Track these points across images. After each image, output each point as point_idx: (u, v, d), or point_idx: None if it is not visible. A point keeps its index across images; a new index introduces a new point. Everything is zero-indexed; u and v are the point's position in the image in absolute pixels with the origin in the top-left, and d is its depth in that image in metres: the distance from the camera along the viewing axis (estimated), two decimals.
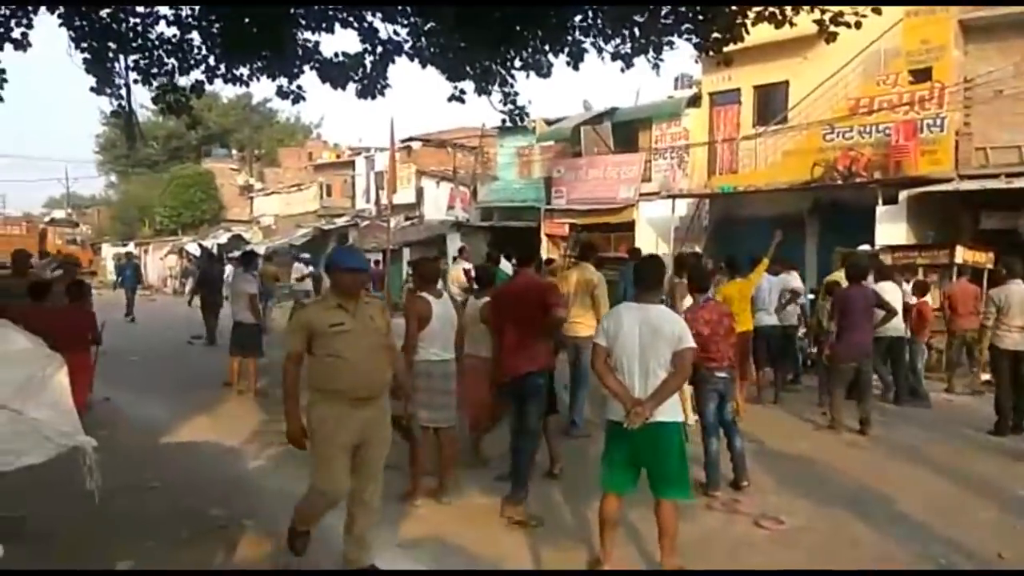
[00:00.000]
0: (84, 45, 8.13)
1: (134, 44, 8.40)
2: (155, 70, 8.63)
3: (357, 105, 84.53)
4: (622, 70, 8.38)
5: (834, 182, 14.90)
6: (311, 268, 18.62)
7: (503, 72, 8.95)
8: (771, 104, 17.23)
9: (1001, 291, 8.01)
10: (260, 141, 53.94)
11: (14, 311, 5.17)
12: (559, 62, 8.63)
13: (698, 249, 12.71)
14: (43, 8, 7.86)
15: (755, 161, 17.21)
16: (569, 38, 8.33)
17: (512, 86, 9.13)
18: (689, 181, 18.43)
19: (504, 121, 9.74)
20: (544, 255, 15.88)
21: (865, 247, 12.96)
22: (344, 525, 4.20)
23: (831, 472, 6.39)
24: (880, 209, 14.07)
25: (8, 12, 7.88)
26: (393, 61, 8.56)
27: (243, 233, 37.69)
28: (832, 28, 7.22)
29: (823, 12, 7.21)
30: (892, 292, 8.90)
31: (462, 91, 8.95)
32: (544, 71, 8.70)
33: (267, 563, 4.48)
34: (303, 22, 8.26)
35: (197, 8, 8.18)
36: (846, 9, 7.17)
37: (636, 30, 8.04)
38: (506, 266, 10.80)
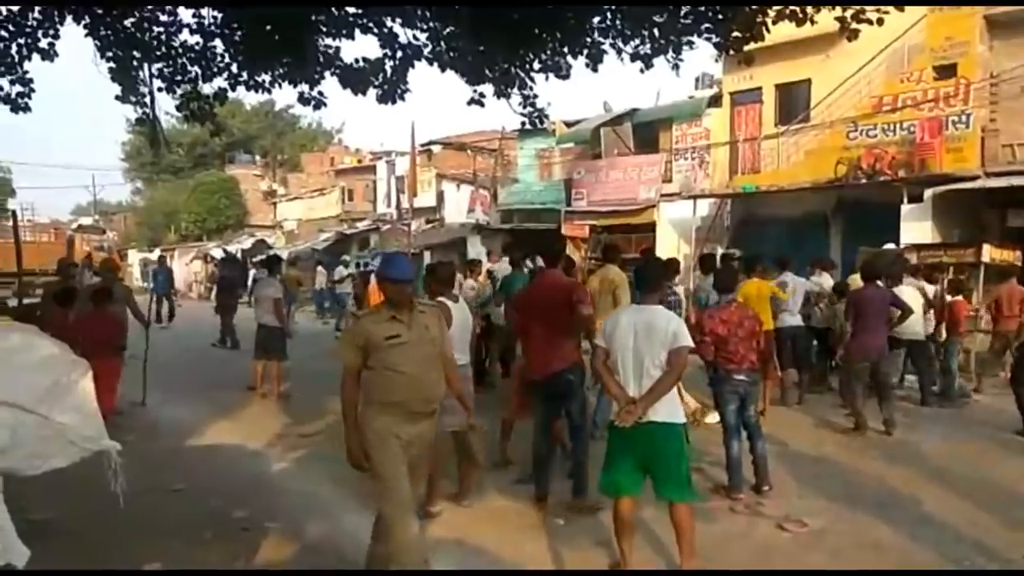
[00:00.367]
0: (109, 54, 8.26)
1: (158, 52, 8.52)
2: (179, 78, 8.75)
3: (378, 110, 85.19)
4: (641, 71, 8.35)
5: (858, 181, 14.75)
6: (350, 269, 18.79)
7: (522, 74, 8.95)
8: (793, 103, 17.12)
9: None
10: (283, 147, 54.46)
11: (42, 317, 5.27)
12: (578, 64, 8.62)
13: (736, 251, 12.57)
14: (69, 18, 8.00)
15: (777, 160, 17.10)
16: (588, 39, 8.32)
17: (531, 88, 9.13)
18: (710, 181, 18.34)
19: (524, 123, 9.74)
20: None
21: (890, 246, 12.82)
22: (376, 528, 4.07)
23: (855, 474, 6.32)
24: (905, 208, 13.90)
25: (35, 23, 8.04)
26: (413, 66, 8.60)
27: (267, 238, 38.05)
28: (854, 25, 7.15)
29: (844, 9, 7.15)
30: (909, 292, 8.83)
31: (481, 94, 8.97)
32: (563, 73, 8.70)
33: (290, 564, 4.51)
34: (324, 28, 8.32)
35: (220, 16, 8.29)
36: (868, 6, 7.11)
37: (655, 30, 8.00)
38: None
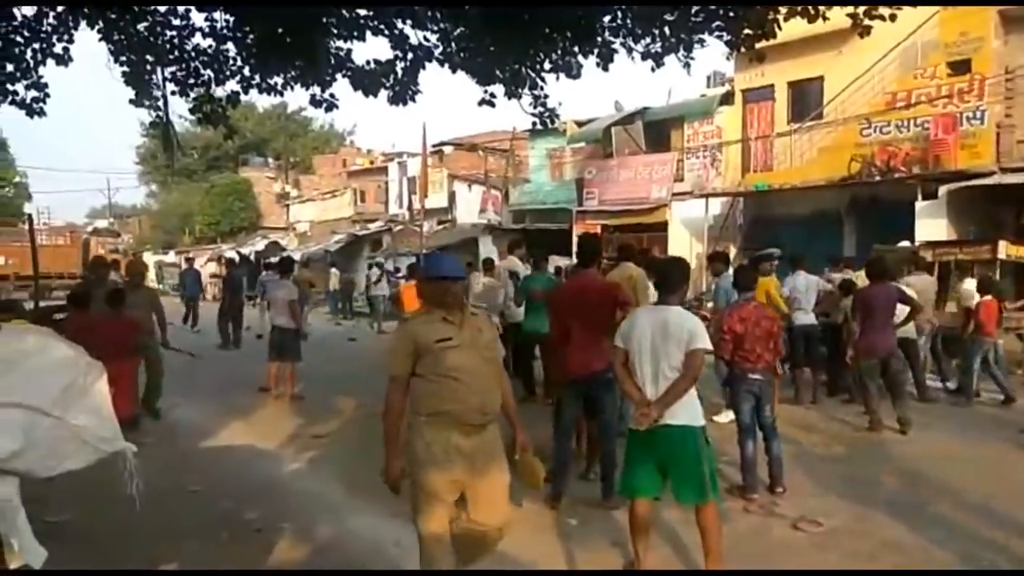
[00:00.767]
0: (123, 58, 8.34)
1: (171, 56, 8.60)
2: (192, 81, 8.82)
3: (389, 111, 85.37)
4: (653, 69, 8.36)
5: (872, 178, 14.67)
6: (380, 271, 18.91)
7: (533, 75, 8.97)
8: (806, 100, 17.02)
9: None
10: (295, 149, 54.72)
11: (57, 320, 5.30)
12: (589, 63, 8.66)
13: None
14: (83, 23, 8.08)
15: (790, 158, 17.00)
16: (599, 39, 8.33)
17: (542, 88, 9.16)
18: (723, 180, 18.27)
19: (535, 123, 9.76)
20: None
21: (905, 244, 12.73)
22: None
23: (870, 473, 6.28)
24: (920, 205, 13.79)
25: (50, 28, 8.12)
26: (424, 67, 8.64)
27: (280, 240, 38.22)
28: (867, 22, 7.12)
29: (857, 6, 7.12)
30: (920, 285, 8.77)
31: (492, 95, 8.99)
32: (574, 72, 8.70)
33: (302, 565, 4.53)
34: (335, 31, 8.37)
35: (232, 19, 8.34)
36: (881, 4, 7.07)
37: (666, 29, 8.00)
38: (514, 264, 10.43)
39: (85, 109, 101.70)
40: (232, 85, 8.95)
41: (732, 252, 16.12)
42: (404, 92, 8.68)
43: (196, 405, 9.25)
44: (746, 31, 7.76)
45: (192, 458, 7.00)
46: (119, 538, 4.79)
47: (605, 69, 8.48)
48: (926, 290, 9.59)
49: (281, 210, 44.62)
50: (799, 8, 7.32)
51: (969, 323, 9.29)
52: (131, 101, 8.67)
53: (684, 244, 18.07)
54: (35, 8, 7.96)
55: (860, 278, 9.00)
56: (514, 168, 26.20)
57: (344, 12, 8.16)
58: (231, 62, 8.75)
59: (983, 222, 13.59)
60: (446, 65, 8.68)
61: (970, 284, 9.93)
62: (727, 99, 18.70)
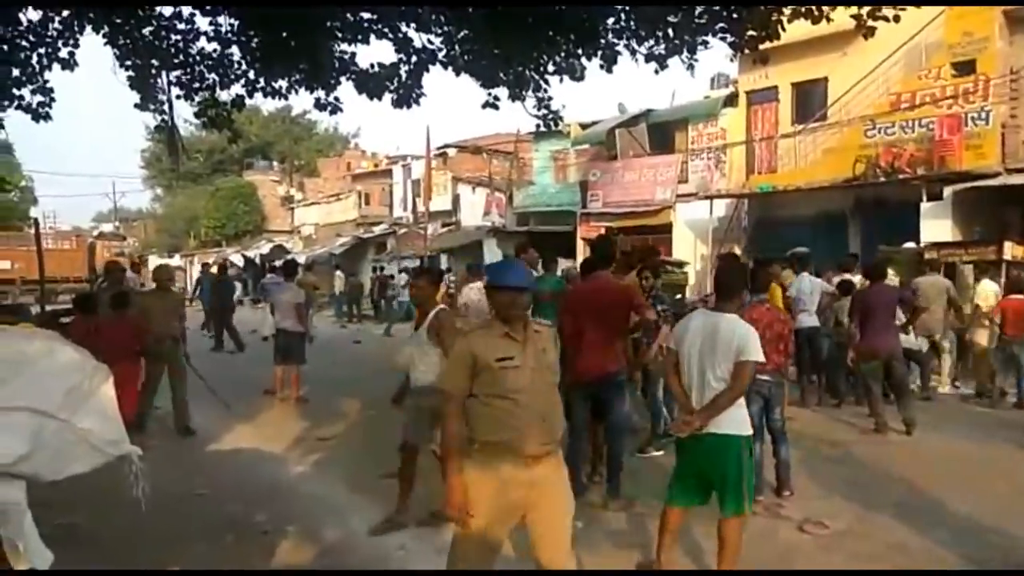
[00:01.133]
0: (128, 63, 8.37)
1: (176, 60, 8.63)
2: (197, 85, 8.85)
3: (393, 114, 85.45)
4: (656, 71, 8.37)
5: (877, 179, 14.62)
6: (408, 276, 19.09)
7: (536, 77, 8.98)
8: (810, 101, 16.97)
9: None
10: (300, 152, 54.79)
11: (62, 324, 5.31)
12: (592, 65, 8.64)
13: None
14: (88, 28, 8.11)
15: (795, 159, 16.95)
16: (602, 41, 8.33)
17: (546, 91, 9.16)
18: (727, 181, 18.23)
19: (538, 126, 9.76)
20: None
21: (910, 245, 12.69)
22: None
23: (876, 475, 6.27)
24: (925, 206, 13.75)
25: (55, 32, 8.15)
26: (427, 70, 8.66)
27: (285, 243, 38.31)
28: (871, 23, 7.10)
29: (861, 7, 7.11)
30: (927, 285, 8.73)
31: (496, 97, 9.00)
32: (577, 75, 8.71)
33: (307, 567, 4.54)
34: (339, 34, 8.39)
35: (236, 23, 8.37)
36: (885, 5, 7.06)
37: (669, 31, 8.00)
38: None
39: (90, 113, 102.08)
40: (237, 89, 8.98)
41: (738, 252, 16.07)
42: (408, 95, 8.69)
43: (202, 408, 9.25)
44: (750, 32, 7.75)
45: (198, 461, 7.02)
46: (125, 541, 4.80)
47: (609, 71, 8.49)
48: (934, 290, 9.56)
49: (286, 213, 44.70)
50: (803, 9, 7.32)
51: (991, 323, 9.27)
52: (136, 105, 8.70)
53: (688, 246, 18.06)
54: (41, 12, 7.99)
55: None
56: (518, 170, 26.19)
57: (348, 15, 8.18)
58: (236, 66, 8.77)
59: (988, 223, 13.52)
60: (450, 68, 8.69)
61: (988, 285, 9.88)
62: (731, 101, 18.67)
